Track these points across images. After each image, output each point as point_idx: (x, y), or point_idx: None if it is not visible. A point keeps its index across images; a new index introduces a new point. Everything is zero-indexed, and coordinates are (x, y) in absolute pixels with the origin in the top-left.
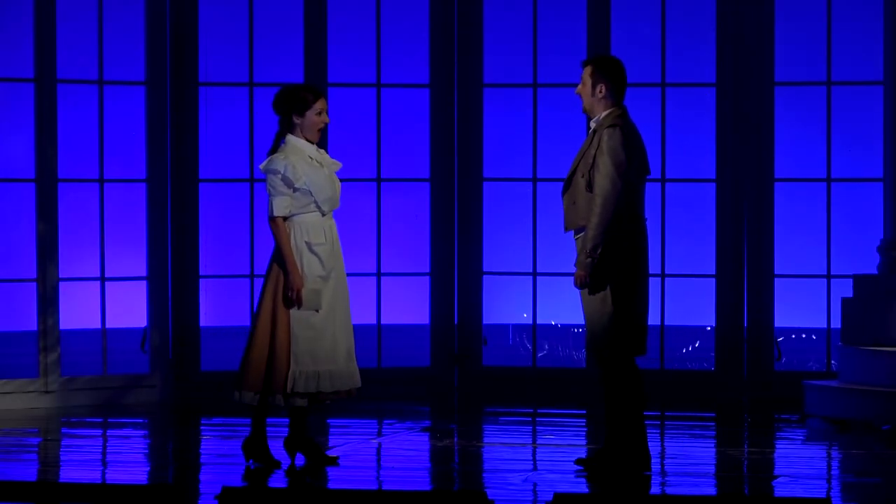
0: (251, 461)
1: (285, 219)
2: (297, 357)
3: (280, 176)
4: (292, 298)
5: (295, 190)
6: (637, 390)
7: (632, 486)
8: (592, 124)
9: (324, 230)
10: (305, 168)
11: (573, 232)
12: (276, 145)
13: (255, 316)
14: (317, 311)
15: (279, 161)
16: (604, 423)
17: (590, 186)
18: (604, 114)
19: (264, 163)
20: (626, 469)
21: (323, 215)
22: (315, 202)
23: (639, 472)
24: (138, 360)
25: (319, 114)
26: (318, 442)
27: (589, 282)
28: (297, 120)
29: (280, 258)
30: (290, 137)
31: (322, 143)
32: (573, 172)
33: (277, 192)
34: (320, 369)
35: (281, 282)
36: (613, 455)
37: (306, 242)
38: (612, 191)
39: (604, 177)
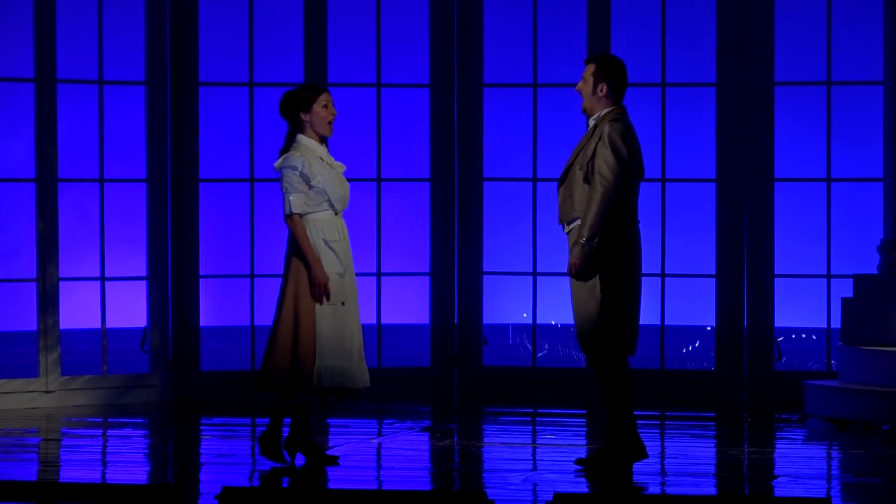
0: (264, 458)
1: (301, 217)
2: (321, 353)
3: (298, 172)
4: (319, 293)
5: (310, 188)
6: (625, 387)
7: (627, 481)
8: (592, 121)
9: (337, 228)
10: (318, 167)
11: (564, 225)
12: (288, 146)
13: (276, 315)
14: (343, 303)
15: (296, 157)
16: (604, 423)
17: (587, 178)
18: (605, 111)
19: (279, 161)
20: (620, 462)
21: (336, 214)
22: (329, 201)
23: (634, 461)
24: (138, 360)
25: (325, 106)
26: (318, 442)
27: (583, 270)
28: (305, 117)
29: (300, 255)
30: (300, 137)
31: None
32: (570, 165)
33: (294, 189)
34: (345, 365)
35: (302, 279)
36: (608, 451)
37: (323, 239)
38: (613, 181)
39: (606, 167)
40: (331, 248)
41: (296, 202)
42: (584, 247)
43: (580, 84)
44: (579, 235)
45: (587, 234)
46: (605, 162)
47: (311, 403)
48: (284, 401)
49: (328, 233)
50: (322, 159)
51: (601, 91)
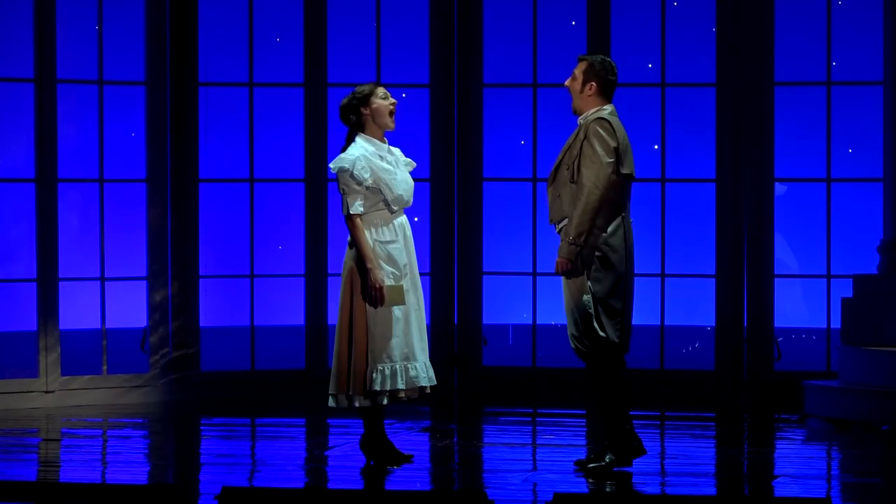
0: (372, 460)
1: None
2: (374, 355)
3: (349, 173)
4: (374, 296)
5: (365, 188)
6: (619, 386)
7: (627, 481)
8: (580, 120)
9: (394, 228)
10: (373, 166)
11: (555, 225)
12: (348, 145)
13: (338, 319)
14: (399, 307)
15: (347, 159)
16: (604, 423)
17: (574, 178)
18: (593, 110)
19: (334, 162)
20: (619, 461)
21: (392, 213)
22: (384, 200)
23: (633, 458)
24: (138, 360)
25: (384, 98)
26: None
27: (570, 268)
28: (365, 111)
29: (358, 257)
30: (359, 137)
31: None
32: (558, 165)
33: (351, 190)
34: (398, 366)
35: (356, 281)
36: (607, 451)
37: (376, 241)
38: (599, 179)
39: (592, 165)
40: (384, 250)
41: (353, 203)
42: (572, 244)
43: (569, 81)
44: (566, 233)
45: (574, 232)
46: (590, 160)
47: (366, 406)
48: (348, 405)
49: (380, 234)
50: (381, 157)
51: (590, 90)
